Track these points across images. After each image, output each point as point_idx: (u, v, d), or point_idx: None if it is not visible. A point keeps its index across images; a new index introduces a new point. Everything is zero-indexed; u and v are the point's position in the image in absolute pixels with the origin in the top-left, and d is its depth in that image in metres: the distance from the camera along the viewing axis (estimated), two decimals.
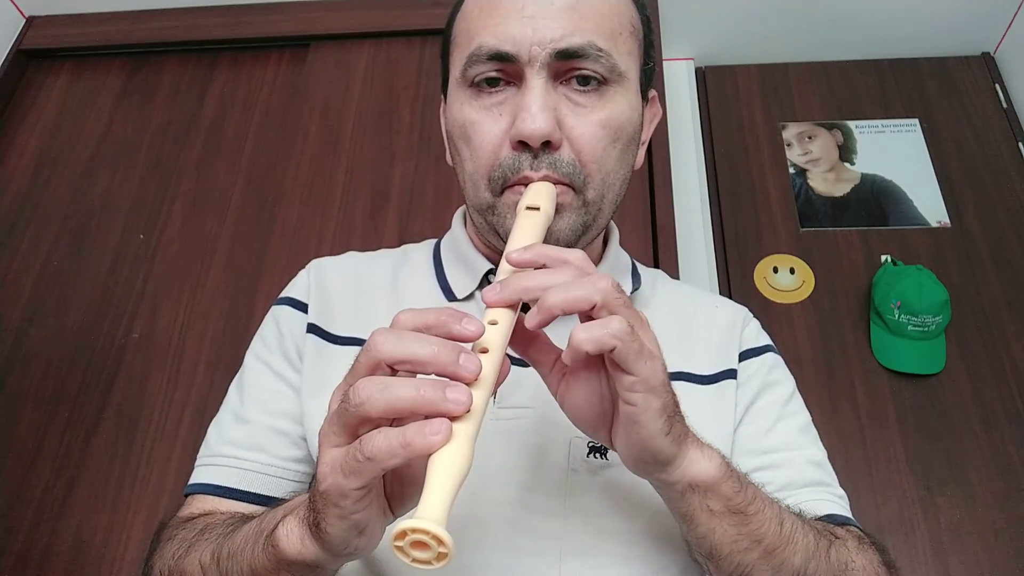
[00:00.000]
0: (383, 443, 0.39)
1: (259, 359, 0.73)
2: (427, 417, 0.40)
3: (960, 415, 1.41)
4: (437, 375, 0.42)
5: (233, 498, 0.66)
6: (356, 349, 0.44)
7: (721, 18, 1.72)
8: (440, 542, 0.37)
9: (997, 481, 1.35)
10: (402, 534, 0.37)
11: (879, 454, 1.39)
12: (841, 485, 0.71)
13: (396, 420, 0.42)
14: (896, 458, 1.39)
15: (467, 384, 0.42)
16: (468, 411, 0.41)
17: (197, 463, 0.70)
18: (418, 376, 0.42)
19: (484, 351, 0.45)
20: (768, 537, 0.53)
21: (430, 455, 0.39)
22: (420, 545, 0.38)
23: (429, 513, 0.37)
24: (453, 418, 0.40)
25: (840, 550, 0.59)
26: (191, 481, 0.69)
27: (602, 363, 0.49)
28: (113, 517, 1.26)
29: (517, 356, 0.52)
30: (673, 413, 0.48)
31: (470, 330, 0.43)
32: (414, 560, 0.39)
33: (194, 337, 1.41)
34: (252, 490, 0.67)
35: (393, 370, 0.43)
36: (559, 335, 0.53)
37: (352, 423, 0.42)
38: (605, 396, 0.49)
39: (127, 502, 1.27)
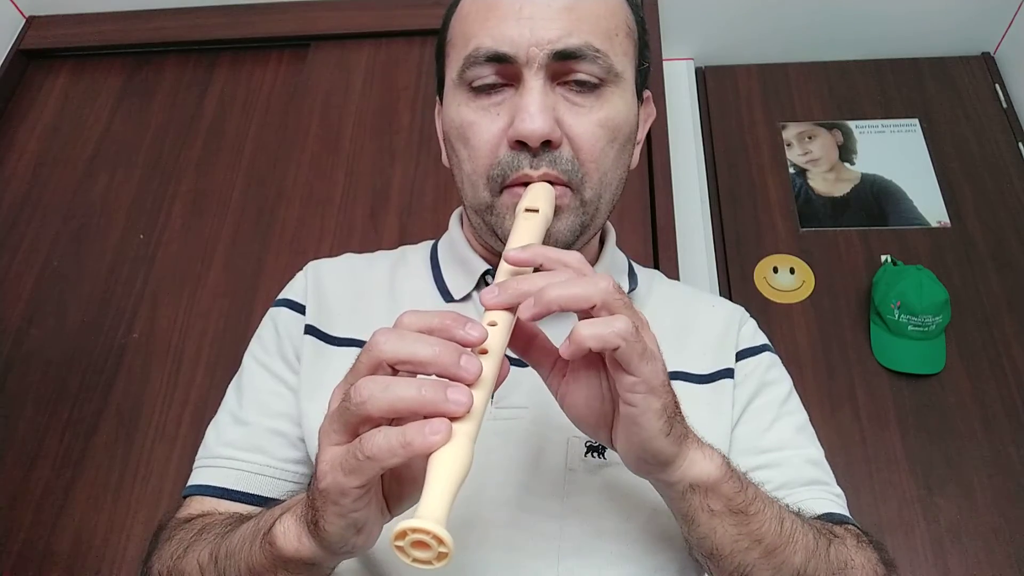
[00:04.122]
0: (383, 442, 0.39)
1: (257, 361, 0.73)
2: (426, 417, 0.40)
3: (960, 415, 1.41)
4: (438, 376, 0.42)
5: (231, 499, 0.66)
6: (354, 350, 0.44)
7: (721, 18, 1.72)
8: (440, 542, 0.37)
9: (997, 481, 1.35)
10: (402, 534, 0.37)
11: (879, 454, 1.39)
12: (841, 485, 0.71)
13: (396, 419, 0.42)
14: (896, 458, 1.39)
15: (468, 385, 0.42)
16: (468, 411, 0.41)
17: (195, 465, 0.70)
18: (419, 376, 0.42)
19: (483, 352, 0.45)
20: (769, 536, 0.53)
21: (430, 455, 0.39)
22: (420, 545, 0.38)
23: (430, 513, 0.37)
24: (453, 418, 0.40)
25: (839, 548, 0.59)
26: (189, 483, 0.69)
27: (602, 362, 0.49)
28: (113, 517, 1.26)
29: (515, 356, 0.52)
30: (673, 414, 0.48)
31: (473, 335, 0.44)
32: (414, 560, 0.39)
33: (194, 337, 1.41)
34: (250, 491, 0.67)
35: (394, 370, 0.43)
36: (559, 335, 0.53)
37: (353, 422, 0.42)
38: (605, 396, 0.50)
39: (127, 502, 1.27)
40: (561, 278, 0.46)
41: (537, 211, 0.58)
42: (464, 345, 0.43)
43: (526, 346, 0.52)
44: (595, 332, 0.43)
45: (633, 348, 0.44)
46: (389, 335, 0.43)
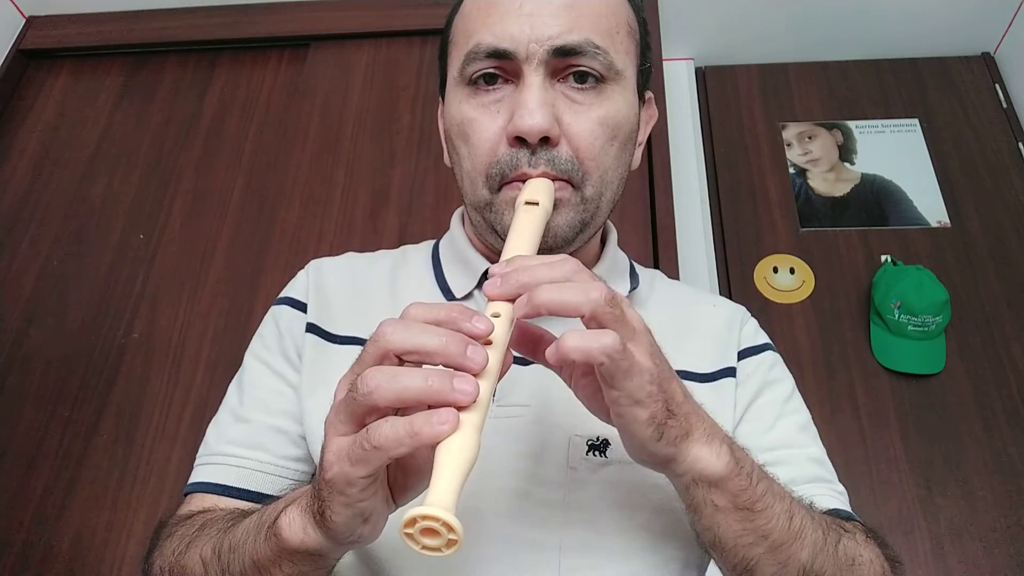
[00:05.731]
0: (390, 432, 0.40)
1: (258, 359, 0.73)
2: (432, 407, 0.40)
3: (960, 415, 1.41)
4: (444, 366, 0.42)
5: (232, 496, 0.66)
6: (355, 348, 0.44)
7: (721, 18, 1.73)
8: (450, 529, 0.37)
9: (997, 481, 1.35)
10: (412, 521, 0.38)
11: (879, 454, 1.39)
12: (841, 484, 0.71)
13: (402, 409, 0.42)
14: (896, 458, 1.39)
15: (474, 375, 0.42)
16: (475, 402, 0.41)
17: (196, 462, 0.70)
18: (425, 367, 0.43)
19: (488, 343, 0.45)
20: (775, 533, 0.52)
21: (437, 444, 0.40)
22: (430, 532, 0.38)
23: (439, 500, 0.38)
24: (459, 408, 0.41)
25: (849, 544, 0.59)
26: (190, 480, 0.69)
27: None
28: (113, 517, 1.26)
29: (518, 355, 0.52)
30: (664, 420, 0.47)
31: (480, 328, 0.44)
32: (423, 547, 0.39)
33: (194, 337, 1.41)
34: (252, 488, 0.67)
35: (400, 361, 0.43)
36: (563, 331, 0.53)
37: (360, 412, 0.42)
38: None
39: (127, 502, 1.27)
40: (561, 272, 0.46)
41: (537, 204, 0.58)
42: (471, 337, 0.43)
43: (534, 349, 0.52)
44: (579, 345, 0.43)
45: (617, 365, 0.44)
46: (396, 326, 0.43)
